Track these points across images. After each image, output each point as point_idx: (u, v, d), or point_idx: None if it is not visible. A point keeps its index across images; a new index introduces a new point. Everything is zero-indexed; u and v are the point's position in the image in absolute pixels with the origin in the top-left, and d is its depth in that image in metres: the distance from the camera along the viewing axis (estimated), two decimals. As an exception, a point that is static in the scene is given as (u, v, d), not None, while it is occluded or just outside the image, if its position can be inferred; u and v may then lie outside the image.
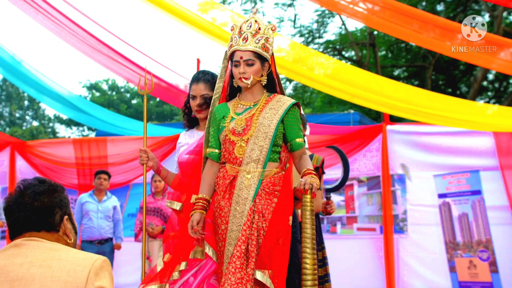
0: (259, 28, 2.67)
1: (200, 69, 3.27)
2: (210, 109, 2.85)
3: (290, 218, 2.64)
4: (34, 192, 1.75)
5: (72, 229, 1.83)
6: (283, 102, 2.71)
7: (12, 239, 1.75)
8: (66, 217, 1.80)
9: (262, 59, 2.68)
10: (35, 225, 1.74)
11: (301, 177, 2.58)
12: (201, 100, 2.98)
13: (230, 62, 2.76)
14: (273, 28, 2.71)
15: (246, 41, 2.65)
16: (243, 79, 2.67)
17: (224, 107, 2.81)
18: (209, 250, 2.76)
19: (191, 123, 3.15)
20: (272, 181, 2.64)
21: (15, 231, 1.75)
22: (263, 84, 2.75)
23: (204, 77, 3.01)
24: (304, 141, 2.84)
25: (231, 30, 2.75)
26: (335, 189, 3.96)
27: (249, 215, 2.57)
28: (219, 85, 2.87)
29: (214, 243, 2.74)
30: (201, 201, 2.68)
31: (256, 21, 2.68)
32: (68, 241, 1.79)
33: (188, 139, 3.08)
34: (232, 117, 2.72)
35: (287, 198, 2.65)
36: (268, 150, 2.63)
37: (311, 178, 2.50)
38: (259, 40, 2.66)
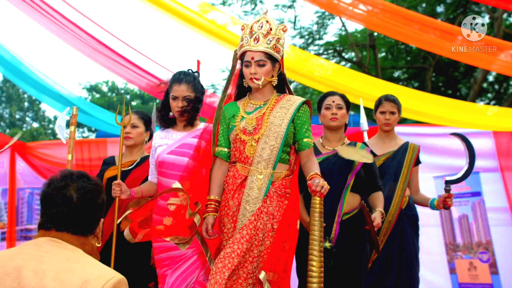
0: (271, 29, 2.63)
1: (200, 70, 3.24)
2: (217, 107, 2.82)
3: (298, 222, 2.59)
4: (84, 189, 1.63)
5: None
6: (293, 101, 2.70)
7: (39, 229, 1.64)
8: (102, 220, 1.71)
9: (273, 59, 2.65)
10: (72, 225, 1.61)
11: (308, 180, 2.52)
12: (184, 101, 2.93)
13: (240, 61, 2.72)
14: (285, 29, 2.69)
15: (258, 41, 2.62)
16: (254, 80, 2.64)
17: (233, 106, 2.78)
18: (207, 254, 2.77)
19: (167, 122, 3.09)
20: (284, 183, 2.62)
21: (47, 224, 1.62)
22: (274, 84, 2.72)
23: (186, 78, 2.97)
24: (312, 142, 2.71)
25: (242, 29, 2.73)
26: (457, 181, 3.54)
27: (257, 215, 2.53)
28: (227, 84, 2.84)
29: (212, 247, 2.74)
30: (213, 203, 2.66)
31: (267, 22, 2.65)
32: (97, 244, 1.70)
33: (166, 139, 3.03)
34: (242, 116, 2.69)
35: (296, 201, 2.62)
36: (279, 150, 2.60)
37: (322, 180, 2.44)
38: (270, 41, 2.62)
